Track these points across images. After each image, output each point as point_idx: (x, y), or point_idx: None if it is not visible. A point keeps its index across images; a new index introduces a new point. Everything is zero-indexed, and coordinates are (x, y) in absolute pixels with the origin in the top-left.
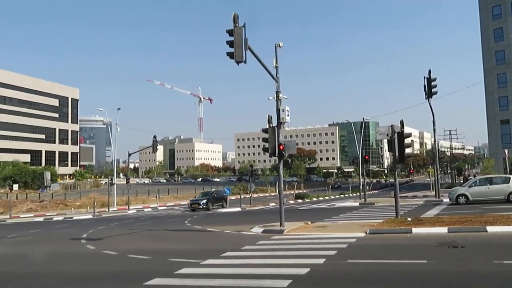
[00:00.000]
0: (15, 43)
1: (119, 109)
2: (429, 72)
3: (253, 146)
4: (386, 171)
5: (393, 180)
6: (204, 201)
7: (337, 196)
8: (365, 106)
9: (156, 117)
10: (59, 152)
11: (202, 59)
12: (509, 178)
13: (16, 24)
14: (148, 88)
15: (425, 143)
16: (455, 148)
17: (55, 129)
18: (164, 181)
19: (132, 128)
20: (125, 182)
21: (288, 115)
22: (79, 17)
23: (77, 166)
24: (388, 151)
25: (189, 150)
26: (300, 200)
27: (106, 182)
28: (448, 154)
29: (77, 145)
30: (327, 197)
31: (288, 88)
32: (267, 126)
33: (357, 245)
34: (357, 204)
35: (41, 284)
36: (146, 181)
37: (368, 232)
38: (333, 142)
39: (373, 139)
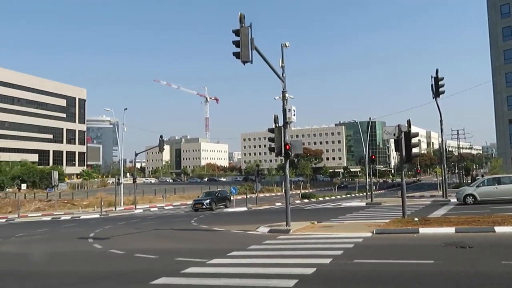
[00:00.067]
0: (21, 43)
1: (126, 109)
2: (437, 71)
3: (259, 146)
4: (392, 171)
5: (400, 180)
6: (208, 201)
7: (344, 196)
8: (372, 106)
9: (163, 117)
10: (66, 152)
11: (209, 59)
12: None
13: (20, 24)
14: (154, 88)
15: (432, 142)
16: (462, 148)
17: (62, 129)
18: (171, 180)
19: (139, 128)
20: (131, 182)
21: (294, 115)
22: (80, 18)
23: (84, 165)
24: (395, 150)
25: (195, 150)
26: (306, 200)
27: (113, 182)
28: (456, 153)
29: (84, 145)
30: (333, 197)
31: (294, 88)
32: (274, 126)
33: (363, 245)
34: (363, 204)
35: (48, 283)
36: (152, 181)
37: (374, 232)
38: (339, 141)
39: (379, 139)
